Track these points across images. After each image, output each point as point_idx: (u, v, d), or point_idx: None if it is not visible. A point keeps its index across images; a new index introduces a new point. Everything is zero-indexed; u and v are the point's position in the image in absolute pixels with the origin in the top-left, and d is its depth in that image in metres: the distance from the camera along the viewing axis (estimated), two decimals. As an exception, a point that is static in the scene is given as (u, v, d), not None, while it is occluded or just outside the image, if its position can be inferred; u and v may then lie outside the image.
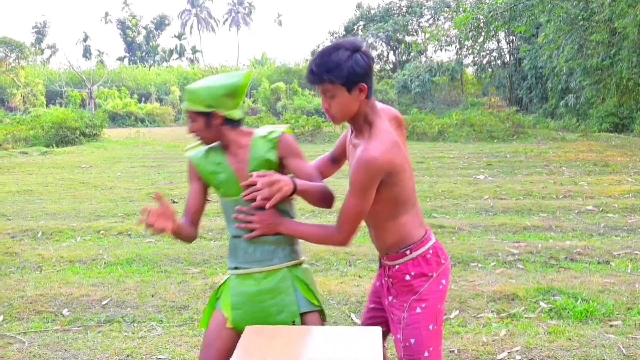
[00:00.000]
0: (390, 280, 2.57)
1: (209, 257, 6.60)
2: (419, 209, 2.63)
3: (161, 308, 5.10)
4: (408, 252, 2.51)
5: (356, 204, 2.52)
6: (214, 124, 2.61)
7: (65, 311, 5.08)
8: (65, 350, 4.29)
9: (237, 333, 2.56)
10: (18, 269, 6.40)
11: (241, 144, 2.69)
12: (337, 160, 2.95)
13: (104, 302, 5.22)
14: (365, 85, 2.39)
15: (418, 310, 2.48)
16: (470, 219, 8.24)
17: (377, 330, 2.55)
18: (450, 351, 4.11)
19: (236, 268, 2.71)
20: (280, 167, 2.69)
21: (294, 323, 2.63)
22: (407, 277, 2.50)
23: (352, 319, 4.77)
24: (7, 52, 46.65)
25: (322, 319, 2.72)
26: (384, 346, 2.63)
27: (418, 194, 8.83)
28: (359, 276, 5.83)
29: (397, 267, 2.53)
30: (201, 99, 2.59)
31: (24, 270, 6.37)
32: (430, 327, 2.49)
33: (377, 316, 2.75)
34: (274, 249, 2.68)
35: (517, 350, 4.08)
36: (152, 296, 5.36)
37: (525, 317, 4.69)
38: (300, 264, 2.75)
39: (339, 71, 2.31)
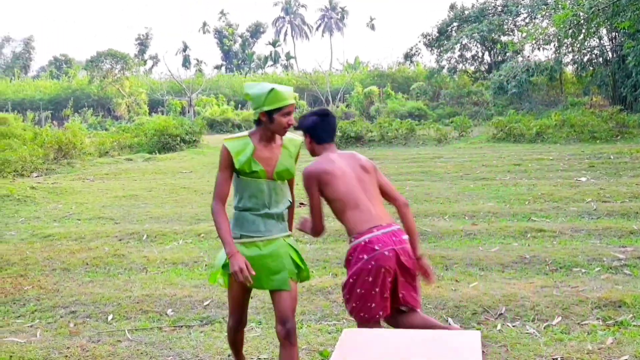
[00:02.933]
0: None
1: (306, 260, 6.65)
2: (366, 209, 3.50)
3: (260, 310, 5.20)
4: (352, 239, 3.49)
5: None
6: None
7: (169, 311, 5.27)
8: (170, 348, 4.46)
9: (246, 287, 3.46)
10: (125, 270, 6.70)
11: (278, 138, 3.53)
12: None
13: (205, 303, 5.38)
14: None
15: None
16: (572, 223, 7.95)
17: (476, 334, 2.51)
18: (554, 359, 3.98)
19: (241, 237, 3.45)
20: None
21: (290, 279, 3.48)
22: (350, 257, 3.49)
23: (449, 323, 4.70)
24: (113, 64, 48.90)
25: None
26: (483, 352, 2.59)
27: (515, 196, 8.63)
28: (456, 280, 5.74)
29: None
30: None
31: (130, 271, 6.67)
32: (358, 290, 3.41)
33: None
34: (274, 222, 3.47)
35: (625, 360, 3.91)
36: (251, 298, 5.46)
37: (634, 325, 4.48)
38: (290, 235, 3.58)
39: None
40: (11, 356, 4.35)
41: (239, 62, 76.12)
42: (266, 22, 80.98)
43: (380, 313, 3.42)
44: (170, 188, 13.14)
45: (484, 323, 4.69)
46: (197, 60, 73.68)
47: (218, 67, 76.00)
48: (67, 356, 4.36)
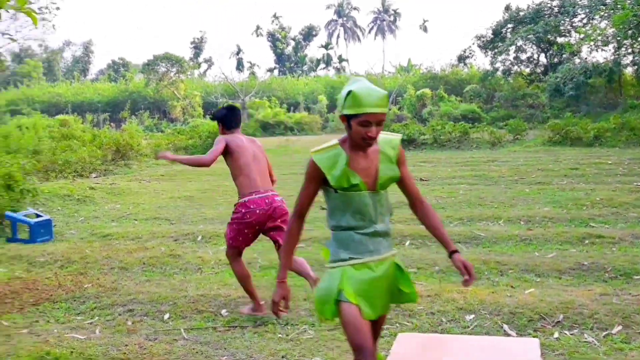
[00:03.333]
0: None
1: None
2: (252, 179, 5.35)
3: (313, 312, 5.20)
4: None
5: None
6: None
7: (224, 311, 5.34)
8: (225, 348, 4.51)
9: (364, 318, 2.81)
10: (181, 270, 6.82)
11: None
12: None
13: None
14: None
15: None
16: (633, 229, 7.72)
17: (535, 342, 2.46)
18: (613, 369, 3.88)
19: (349, 259, 2.88)
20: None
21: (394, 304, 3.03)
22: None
23: (504, 330, 4.63)
24: (169, 67, 49.85)
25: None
26: None
27: (573, 201, 8.44)
28: (512, 286, 5.65)
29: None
30: (387, 101, 2.84)
31: (186, 271, 6.78)
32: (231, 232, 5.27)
33: None
34: (382, 240, 2.93)
35: (689, 372, 3.78)
36: (304, 300, 5.50)
37: (698, 336, 4.32)
38: (395, 254, 3.04)
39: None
40: (72, 351, 4.48)
41: (292, 64, 76.55)
42: (319, 25, 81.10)
43: (242, 245, 5.31)
44: (224, 189, 13.29)
45: (541, 330, 4.59)
46: (251, 63, 74.42)
47: (271, 70, 76.56)
48: (125, 353, 4.45)
